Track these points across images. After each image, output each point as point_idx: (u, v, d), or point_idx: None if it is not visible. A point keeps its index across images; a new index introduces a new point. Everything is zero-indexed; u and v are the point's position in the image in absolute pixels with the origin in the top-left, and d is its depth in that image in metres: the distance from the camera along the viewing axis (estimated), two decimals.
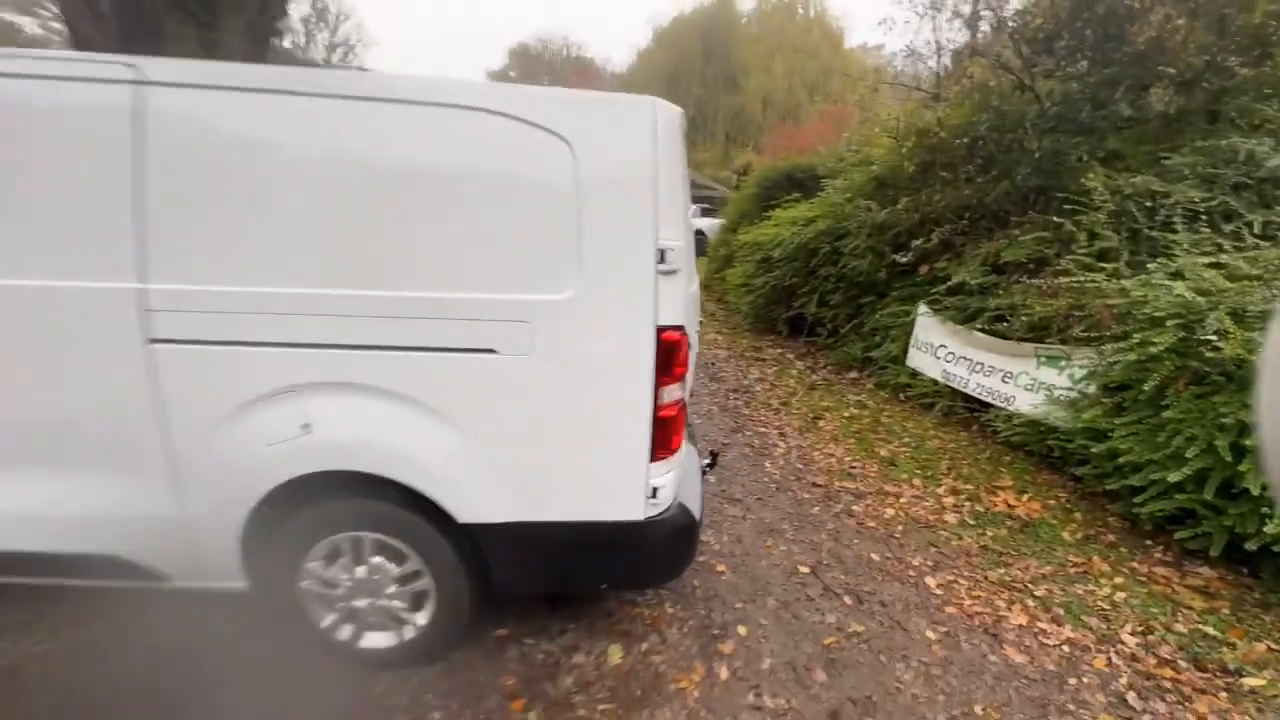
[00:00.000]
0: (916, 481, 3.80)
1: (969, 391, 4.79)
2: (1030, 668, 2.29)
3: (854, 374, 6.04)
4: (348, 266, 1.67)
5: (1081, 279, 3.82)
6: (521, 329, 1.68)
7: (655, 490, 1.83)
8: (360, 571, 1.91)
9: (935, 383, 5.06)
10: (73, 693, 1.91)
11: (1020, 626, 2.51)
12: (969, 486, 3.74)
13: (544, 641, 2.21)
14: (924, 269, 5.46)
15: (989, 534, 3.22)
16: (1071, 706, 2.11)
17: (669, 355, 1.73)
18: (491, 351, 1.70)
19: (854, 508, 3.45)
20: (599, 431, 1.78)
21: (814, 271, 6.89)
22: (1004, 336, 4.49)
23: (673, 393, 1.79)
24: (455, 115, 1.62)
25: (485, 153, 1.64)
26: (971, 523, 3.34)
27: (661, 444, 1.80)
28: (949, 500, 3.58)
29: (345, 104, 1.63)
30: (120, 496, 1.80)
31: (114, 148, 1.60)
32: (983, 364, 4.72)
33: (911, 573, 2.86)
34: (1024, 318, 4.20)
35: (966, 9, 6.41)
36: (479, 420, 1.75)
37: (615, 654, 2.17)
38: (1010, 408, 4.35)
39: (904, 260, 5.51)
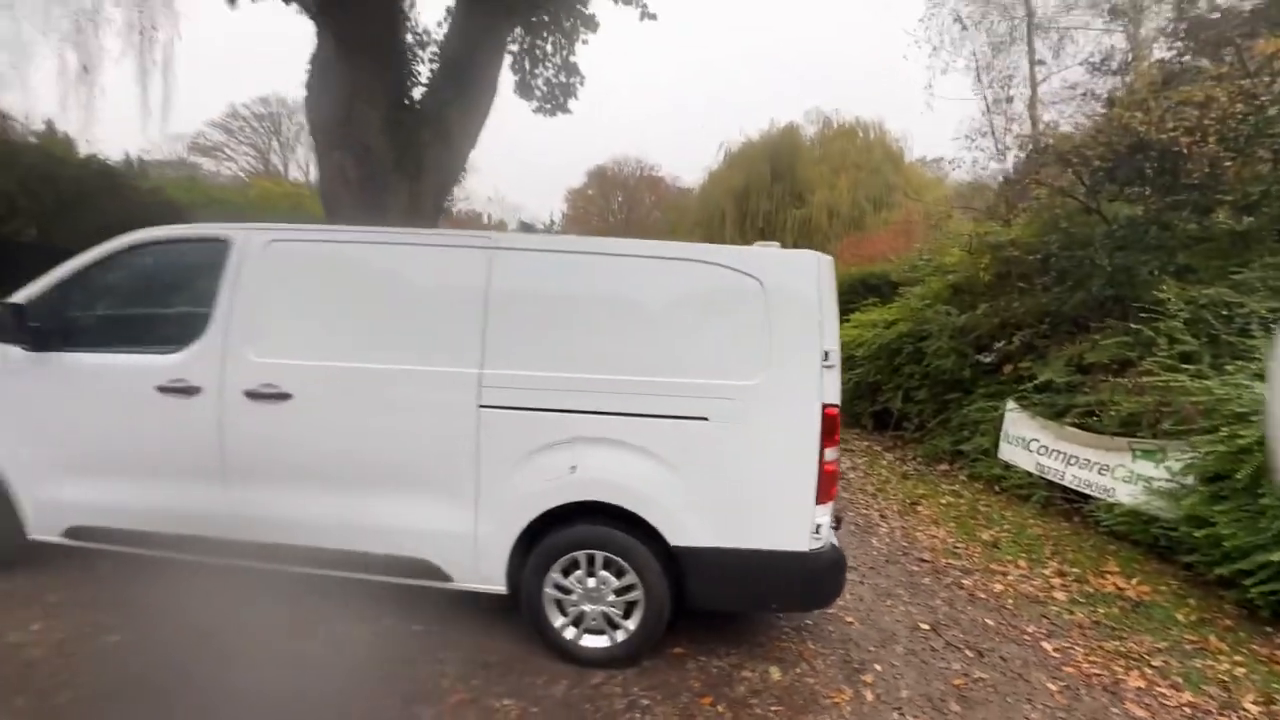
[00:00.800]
0: (1021, 562, 4.08)
1: (1065, 483, 5.04)
2: (1156, 713, 2.56)
3: (944, 465, 6.35)
4: (610, 360, 2.51)
5: (1166, 379, 4.22)
6: (727, 404, 2.43)
7: (818, 527, 2.44)
8: (590, 582, 2.58)
9: (1030, 474, 5.33)
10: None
11: (1139, 688, 2.77)
12: (1075, 569, 3.98)
13: (714, 659, 2.73)
14: (1008, 368, 5.91)
15: (1100, 611, 3.47)
16: None
17: (830, 425, 2.42)
18: (705, 419, 2.45)
19: (963, 581, 3.79)
20: (779, 479, 2.45)
21: (898, 369, 7.44)
22: (1095, 431, 4.82)
23: (831, 453, 2.45)
24: (693, 266, 2.52)
25: (708, 287, 2.50)
26: (1081, 600, 3.59)
27: (823, 491, 2.44)
28: (1056, 580, 3.84)
29: (620, 259, 2.56)
30: (437, 514, 2.61)
31: (474, 285, 2.58)
32: (1077, 457, 5.01)
33: (1027, 637, 3.17)
34: (1113, 413, 4.56)
35: (1028, 144, 7.25)
36: (692, 468, 2.47)
37: (775, 672, 2.66)
38: (1110, 498, 4.59)
39: (987, 360, 6.00)
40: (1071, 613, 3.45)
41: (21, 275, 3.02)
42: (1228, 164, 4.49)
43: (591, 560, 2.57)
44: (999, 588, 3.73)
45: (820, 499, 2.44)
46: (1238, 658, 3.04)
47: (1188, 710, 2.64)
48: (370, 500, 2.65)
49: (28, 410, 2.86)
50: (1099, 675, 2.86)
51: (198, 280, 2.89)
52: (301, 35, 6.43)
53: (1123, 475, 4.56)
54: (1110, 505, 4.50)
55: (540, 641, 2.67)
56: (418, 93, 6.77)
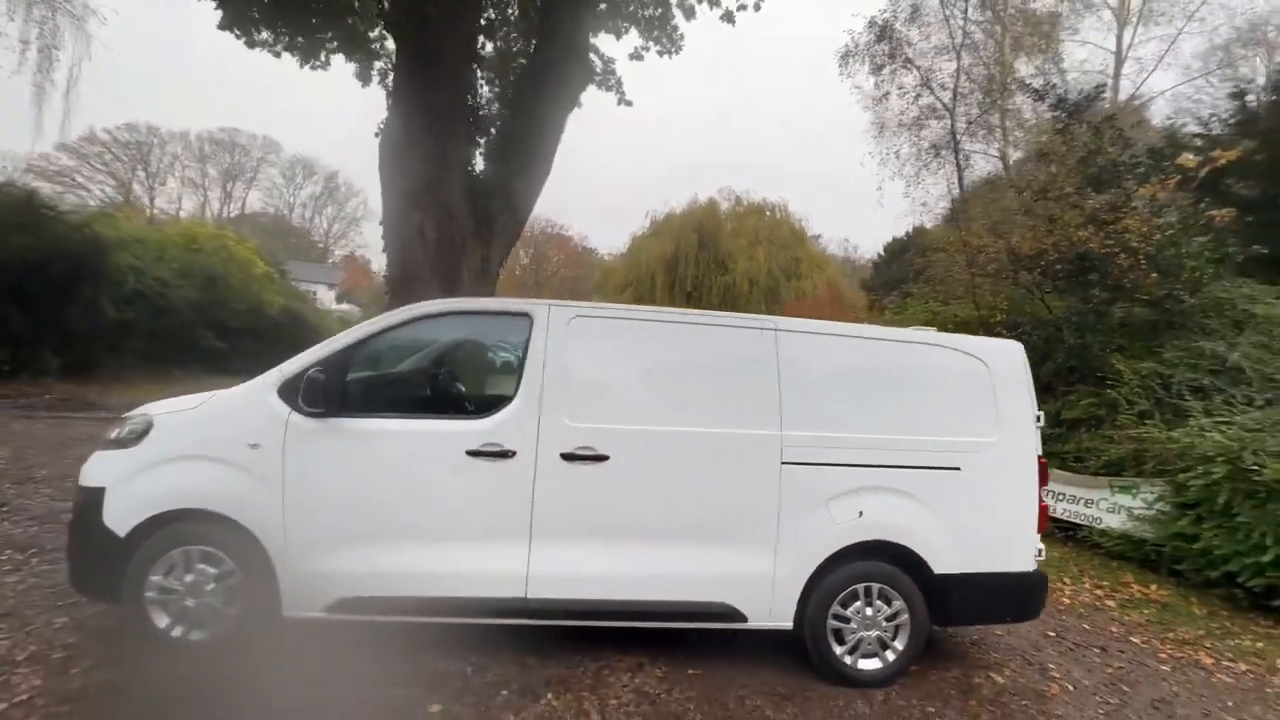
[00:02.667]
0: (1065, 579, 5.11)
1: (1056, 515, 6.30)
2: (1235, 684, 3.51)
3: None
4: (881, 421, 3.12)
5: (1139, 431, 5.63)
6: (973, 456, 3.13)
7: (1039, 551, 3.17)
8: (868, 611, 3.06)
9: None
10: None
11: (1212, 663, 3.75)
12: (1105, 583, 5.08)
13: (944, 673, 3.28)
14: None
15: (1145, 613, 4.52)
16: (1273, 701, 3.33)
17: (1043, 472, 3.21)
18: (957, 469, 3.12)
19: None
20: (1012, 514, 3.16)
21: None
22: (1076, 472, 6.16)
23: (1043, 494, 3.22)
24: (936, 349, 3.24)
25: (948, 366, 3.23)
26: (1129, 605, 4.64)
27: (1041, 522, 3.18)
28: (1099, 592, 4.89)
29: (882, 343, 3.22)
30: (741, 562, 2.97)
31: (768, 360, 3.09)
32: (1064, 494, 6.32)
33: (1115, 636, 4.08)
34: (1100, 458, 5.92)
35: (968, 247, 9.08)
36: (948, 509, 3.10)
37: (996, 677, 3.27)
38: (1099, 525, 5.87)
39: None
40: (1129, 615, 4.46)
41: None
42: (1143, 267, 6.27)
43: (868, 591, 3.07)
44: (1066, 601, 4.68)
45: (1039, 529, 3.18)
46: (1248, 637, 4.18)
47: (1249, 674, 3.65)
48: (679, 552, 2.95)
49: (305, 478, 2.79)
50: (1181, 656, 3.81)
51: (497, 350, 3.08)
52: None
53: (1106, 507, 5.88)
54: (1104, 531, 5.77)
55: (813, 670, 3.06)
56: (480, 163, 7.07)
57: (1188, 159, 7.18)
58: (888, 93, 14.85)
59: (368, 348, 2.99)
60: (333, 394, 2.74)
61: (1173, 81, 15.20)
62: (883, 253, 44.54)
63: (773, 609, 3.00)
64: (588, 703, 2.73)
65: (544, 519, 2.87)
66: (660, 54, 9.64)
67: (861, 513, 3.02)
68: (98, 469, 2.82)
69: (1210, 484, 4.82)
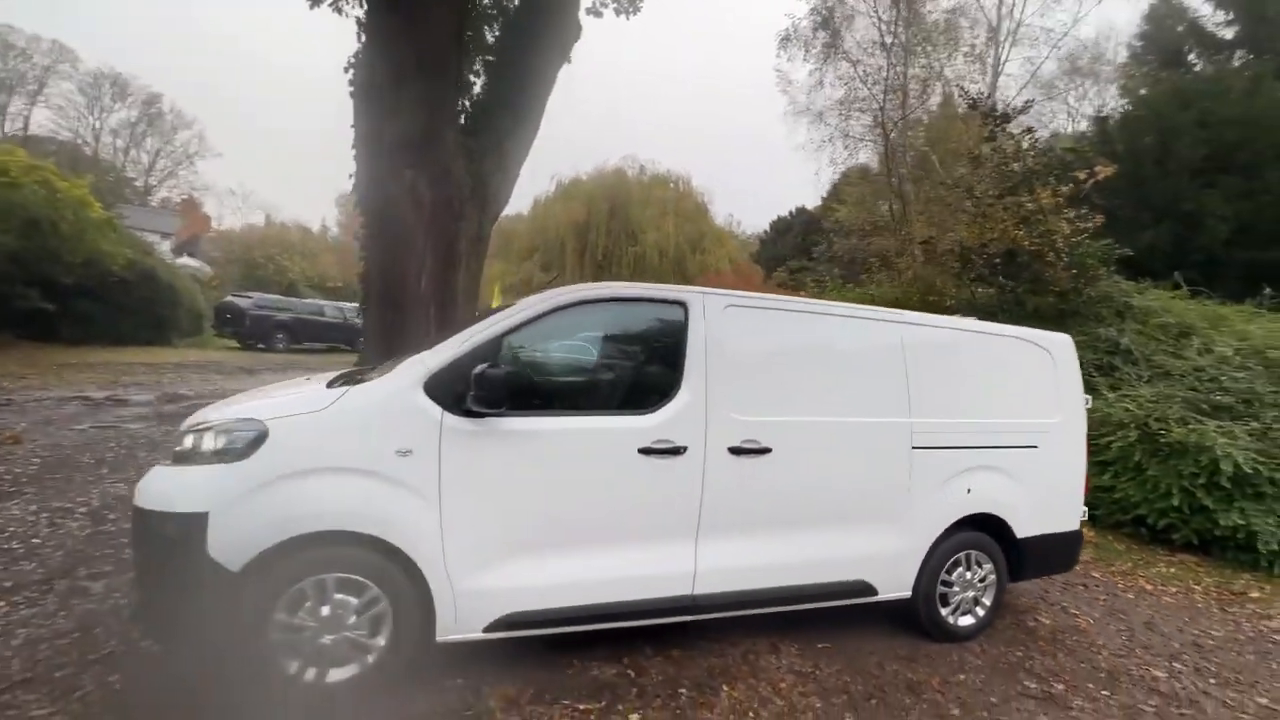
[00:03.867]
0: None
1: None
2: (1175, 603, 4.49)
3: None
4: (981, 407, 3.45)
5: None
6: (1045, 434, 3.59)
7: (1085, 512, 3.76)
8: (967, 574, 3.43)
9: None
10: None
11: (1152, 589, 4.75)
12: None
13: (1004, 621, 3.80)
14: None
15: (1087, 552, 5.55)
16: (1208, 612, 4.33)
17: (1089, 444, 3.78)
18: (1034, 447, 3.56)
19: None
20: (1069, 483, 3.69)
21: None
22: None
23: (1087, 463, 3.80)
24: (1016, 341, 3.63)
25: (1022, 356, 3.64)
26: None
27: (1086, 489, 3.77)
28: None
29: (978, 335, 3.54)
30: (877, 540, 3.16)
31: (897, 353, 3.26)
32: None
33: (1080, 574, 4.98)
34: None
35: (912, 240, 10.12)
36: (1028, 481, 3.54)
37: (1045, 619, 3.87)
38: None
39: None
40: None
41: None
42: (1050, 260, 7.49)
43: (968, 558, 3.43)
44: None
45: (1084, 491, 3.77)
46: (1161, 565, 5.34)
47: (1179, 594, 4.68)
48: (827, 536, 3.07)
49: (465, 486, 2.45)
50: (1133, 585, 4.78)
51: (651, 340, 2.90)
52: None
53: None
54: None
55: (919, 631, 3.39)
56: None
57: (1080, 173, 8.53)
58: (821, 81, 15.69)
59: (517, 338, 2.65)
60: (502, 391, 2.41)
61: (1029, 96, 17.80)
62: (769, 230, 47.36)
63: (899, 581, 3.25)
64: (762, 689, 2.78)
65: (711, 515, 2.81)
66: (618, 13, 9.27)
67: (970, 489, 3.36)
68: (191, 489, 2.23)
69: (1126, 445, 5.99)
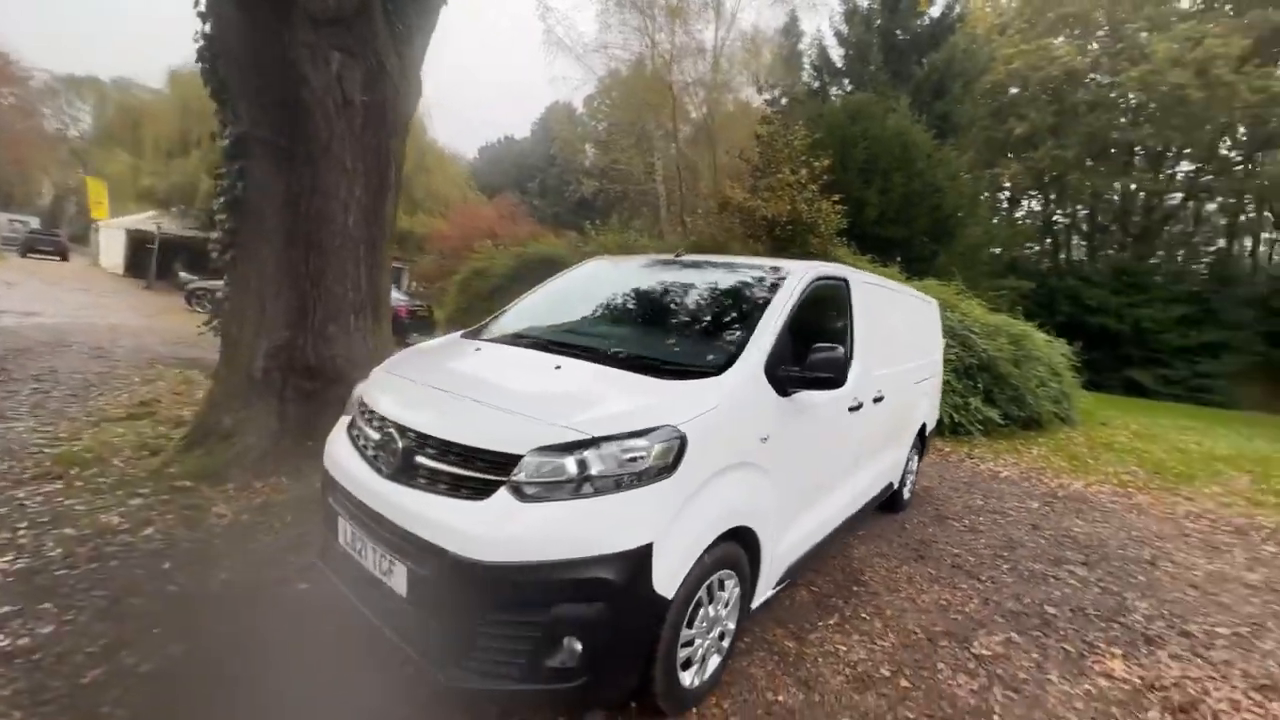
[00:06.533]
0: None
1: None
2: (1012, 476, 7.33)
3: None
4: (923, 350, 4.97)
5: None
6: (936, 366, 5.38)
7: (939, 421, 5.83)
8: (918, 455, 5.04)
9: None
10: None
11: (1022, 474, 7.54)
12: None
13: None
14: None
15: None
16: (1038, 476, 7.24)
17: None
18: (934, 376, 5.32)
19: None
20: (937, 396, 5.66)
21: None
22: None
23: None
24: (921, 300, 5.23)
25: (928, 308, 5.30)
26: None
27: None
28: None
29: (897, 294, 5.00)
30: (899, 451, 4.42)
31: (905, 315, 4.45)
32: None
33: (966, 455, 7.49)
34: None
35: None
36: (933, 395, 5.32)
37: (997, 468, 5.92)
38: None
39: None
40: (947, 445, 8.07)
41: None
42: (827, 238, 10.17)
43: (921, 448, 5.05)
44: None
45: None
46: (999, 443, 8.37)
47: (1015, 466, 7.58)
48: (884, 455, 4.14)
49: (783, 461, 2.58)
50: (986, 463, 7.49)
51: (836, 315, 3.32)
52: None
53: None
54: None
55: (891, 510, 4.90)
56: None
57: (823, 157, 11.36)
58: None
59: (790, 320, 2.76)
60: (843, 370, 2.58)
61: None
62: (478, 156, 45.03)
63: (898, 474, 4.60)
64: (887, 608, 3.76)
65: (860, 450, 3.55)
66: None
67: (921, 406, 4.90)
68: (633, 521, 1.82)
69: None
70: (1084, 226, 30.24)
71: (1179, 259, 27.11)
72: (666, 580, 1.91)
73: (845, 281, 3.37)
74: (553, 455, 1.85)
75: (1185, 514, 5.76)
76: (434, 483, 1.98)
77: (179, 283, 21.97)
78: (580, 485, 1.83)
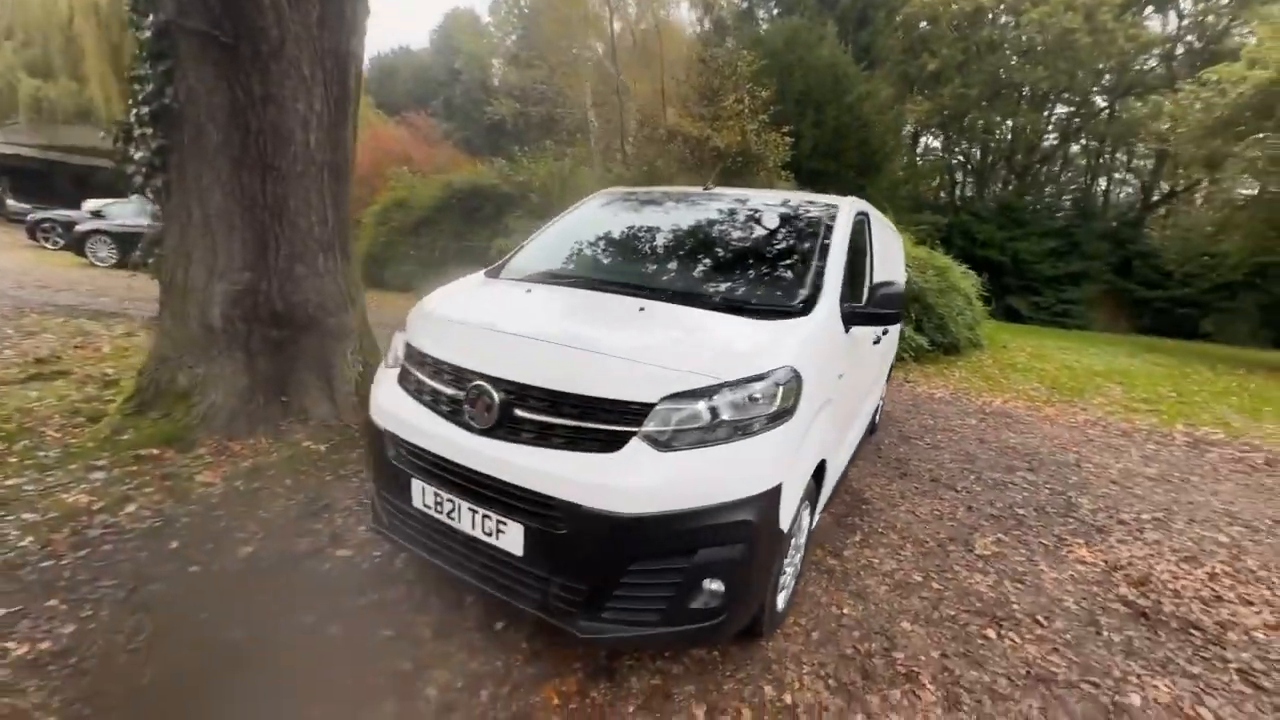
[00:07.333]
0: None
1: None
2: (946, 397, 7.95)
3: None
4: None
5: None
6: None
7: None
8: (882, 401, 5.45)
9: None
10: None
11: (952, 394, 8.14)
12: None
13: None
14: None
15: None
16: (975, 395, 7.90)
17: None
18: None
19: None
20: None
21: None
22: None
23: None
24: (894, 232, 5.47)
25: (896, 240, 5.56)
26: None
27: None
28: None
29: (890, 228, 5.21)
30: (876, 397, 4.73)
31: (879, 240, 4.64)
32: None
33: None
34: None
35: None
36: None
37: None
38: None
39: None
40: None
41: None
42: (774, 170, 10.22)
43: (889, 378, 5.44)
44: None
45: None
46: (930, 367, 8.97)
47: (948, 389, 8.21)
48: (880, 382, 4.43)
49: (842, 391, 2.67)
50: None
51: (860, 250, 3.39)
52: None
53: None
54: None
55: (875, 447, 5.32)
56: None
57: (766, 86, 11.25)
58: None
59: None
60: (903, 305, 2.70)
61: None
62: (370, 66, 40.16)
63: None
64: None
65: (877, 377, 3.80)
66: None
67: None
68: (767, 462, 1.84)
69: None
70: (974, 165, 32.62)
71: (1048, 196, 30.21)
72: (787, 516, 1.97)
73: (867, 215, 3.43)
74: (686, 401, 1.79)
75: (1084, 422, 6.74)
76: (544, 437, 1.86)
77: (6, 212, 18.23)
78: (713, 430, 1.80)
